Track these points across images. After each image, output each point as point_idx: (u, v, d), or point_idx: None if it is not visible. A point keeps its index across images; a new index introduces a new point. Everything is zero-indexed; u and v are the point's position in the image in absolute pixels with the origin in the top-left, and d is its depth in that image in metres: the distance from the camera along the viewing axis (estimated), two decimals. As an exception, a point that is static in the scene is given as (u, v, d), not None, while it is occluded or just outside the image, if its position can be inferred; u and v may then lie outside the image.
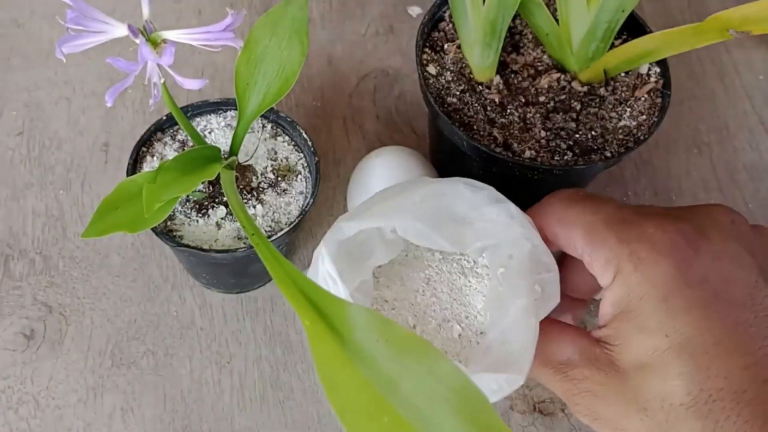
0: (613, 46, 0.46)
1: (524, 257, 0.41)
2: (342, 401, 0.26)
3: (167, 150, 0.45)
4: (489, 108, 0.45)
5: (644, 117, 0.45)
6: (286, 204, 0.44)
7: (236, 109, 0.43)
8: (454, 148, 0.45)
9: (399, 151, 0.50)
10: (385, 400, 0.26)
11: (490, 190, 0.42)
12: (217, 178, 0.41)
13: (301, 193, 0.44)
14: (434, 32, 0.49)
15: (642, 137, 0.44)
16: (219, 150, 0.41)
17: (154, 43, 0.34)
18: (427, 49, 0.48)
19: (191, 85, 0.34)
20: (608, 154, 0.44)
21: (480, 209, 0.42)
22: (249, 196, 0.43)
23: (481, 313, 0.43)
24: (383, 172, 0.48)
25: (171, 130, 0.46)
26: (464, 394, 0.26)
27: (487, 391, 0.37)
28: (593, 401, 0.34)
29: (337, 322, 0.28)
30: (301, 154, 0.46)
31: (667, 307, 0.33)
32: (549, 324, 0.38)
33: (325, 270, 0.38)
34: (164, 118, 0.45)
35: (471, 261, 0.44)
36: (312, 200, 0.43)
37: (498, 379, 0.38)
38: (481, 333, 0.42)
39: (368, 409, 0.26)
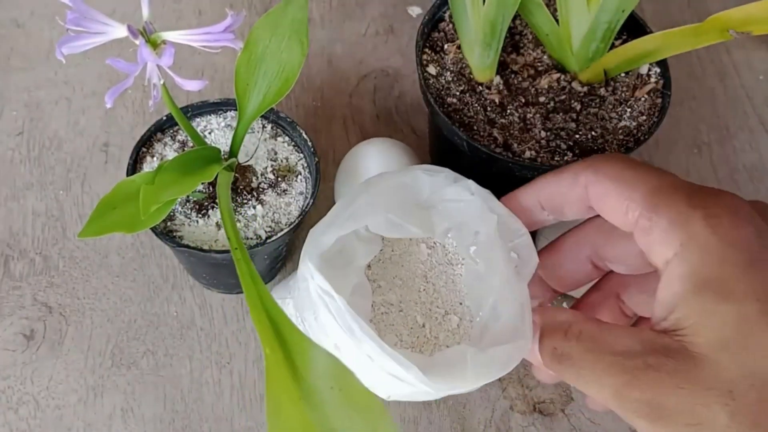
0: (613, 46, 0.46)
1: (492, 230, 0.41)
2: None
3: (167, 150, 0.45)
4: (489, 108, 0.45)
5: (644, 117, 0.45)
6: (286, 204, 0.44)
7: (236, 110, 0.43)
8: (454, 149, 0.45)
9: (385, 142, 0.50)
10: None
11: (447, 172, 0.43)
12: (217, 178, 0.41)
13: (301, 193, 0.44)
14: (434, 32, 0.49)
15: (642, 137, 0.44)
16: (219, 151, 0.41)
17: (154, 44, 0.34)
18: (427, 49, 0.48)
19: (191, 86, 0.34)
20: (608, 155, 0.44)
21: (440, 191, 0.42)
22: (249, 196, 0.43)
23: (468, 297, 0.44)
24: (368, 162, 0.48)
25: (171, 131, 0.46)
26: None
27: (498, 363, 0.38)
28: (658, 394, 0.29)
29: (298, 359, 0.28)
30: (301, 155, 0.46)
31: (755, 270, 0.29)
32: (605, 323, 0.34)
33: (316, 286, 0.38)
34: (164, 118, 0.45)
35: (453, 246, 0.45)
36: (312, 200, 0.43)
37: (506, 349, 0.38)
38: (479, 314, 0.42)
39: None
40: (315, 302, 0.39)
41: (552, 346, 0.34)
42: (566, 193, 0.37)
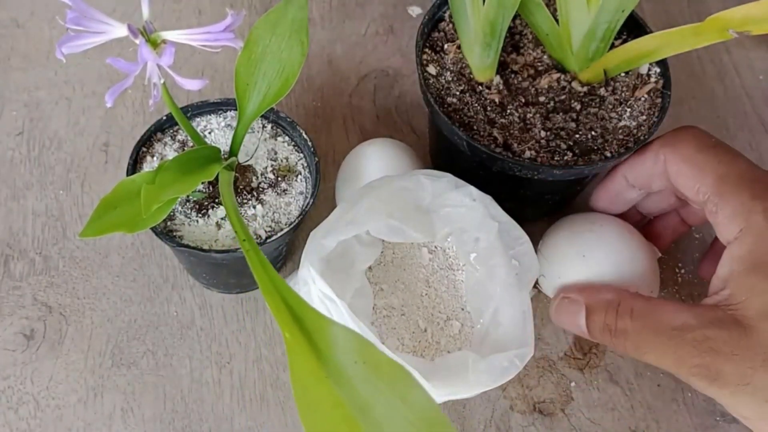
0: (613, 46, 0.46)
1: (493, 237, 0.41)
2: (313, 418, 0.26)
3: (167, 150, 0.45)
4: (489, 108, 0.45)
5: (644, 117, 0.45)
6: (286, 204, 0.44)
7: (236, 110, 0.43)
8: (454, 148, 0.45)
9: (386, 142, 0.50)
10: (356, 422, 0.26)
11: (449, 177, 0.43)
12: (217, 178, 0.41)
13: (301, 193, 0.44)
14: (434, 32, 0.49)
15: (642, 137, 0.44)
16: (219, 150, 0.41)
17: (154, 44, 0.34)
18: (427, 49, 0.48)
19: (191, 86, 0.34)
20: (608, 154, 0.44)
21: (442, 196, 0.42)
22: (249, 196, 0.43)
23: (468, 303, 0.44)
24: (369, 162, 0.48)
25: (171, 130, 0.46)
26: (434, 425, 0.26)
27: (499, 370, 0.38)
28: (714, 360, 0.34)
29: (318, 339, 0.28)
30: (301, 155, 0.46)
31: None
32: (652, 298, 0.39)
33: (318, 290, 0.38)
34: (164, 118, 0.45)
35: (454, 250, 0.45)
36: (312, 200, 0.43)
37: (507, 356, 0.38)
38: (480, 321, 0.42)
39: (338, 429, 0.26)
40: (317, 306, 0.39)
41: (602, 323, 0.38)
42: (650, 170, 0.42)
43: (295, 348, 0.28)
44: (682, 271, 0.51)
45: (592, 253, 0.44)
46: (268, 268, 0.31)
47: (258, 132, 0.46)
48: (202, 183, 0.40)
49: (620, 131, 0.45)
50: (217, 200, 0.43)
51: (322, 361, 0.27)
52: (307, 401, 0.26)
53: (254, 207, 0.43)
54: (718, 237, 0.39)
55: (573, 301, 0.41)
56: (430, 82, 0.46)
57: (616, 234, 0.45)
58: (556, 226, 0.47)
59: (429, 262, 0.45)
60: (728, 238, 0.37)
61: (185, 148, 0.45)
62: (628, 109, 0.45)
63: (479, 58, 0.45)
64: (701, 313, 0.36)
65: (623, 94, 0.46)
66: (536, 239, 0.51)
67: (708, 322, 0.35)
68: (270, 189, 0.44)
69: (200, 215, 0.43)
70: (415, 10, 0.63)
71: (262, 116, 0.45)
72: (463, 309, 0.44)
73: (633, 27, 0.48)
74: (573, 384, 0.47)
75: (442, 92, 0.46)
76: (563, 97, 0.46)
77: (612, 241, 0.44)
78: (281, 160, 0.45)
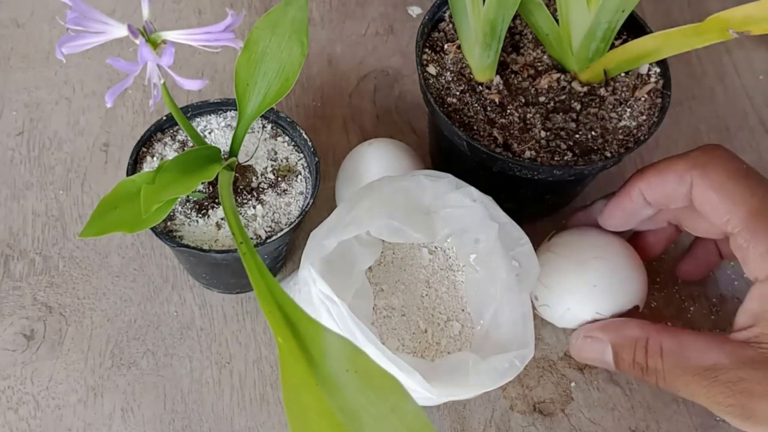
0: (613, 46, 0.46)
1: (493, 238, 0.41)
2: (302, 424, 0.26)
3: (167, 150, 0.45)
4: (489, 108, 0.45)
5: (644, 117, 0.45)
6: (286, 204, 0.44)
7: (236, 110, 0.43)
8: (454, 149, 0.45)
9: (386, 142, 0.50)
10: (345, 430, 0.26)
11: (449, 178, 0.43)
12: (217, 178, 0.41)
13: (301, 193, 0.44)
14: (434, 32, 0.49)
15: (642, 137, 0.44)
16: (219, 150, 0.41)
17: (154, 44, 0.34)
18: (427, 49, 0.48)
19: (191, 86, 0.34)
20: (608, 154, 0.44)
21: (443, 197, 0.43)
22: (249, 196, 0.43)
23: (469, 304, 0.44)
24: (369, 163, 0.48)
25: (171, 130, 0.46)
26: None
27: (500, 371, 0.38)
28: (749, 401, 0.34)
29: (311, 345, 0.28)
30: (301, 155, 0.46)
31: None
32: (679, 332, 0.38)
33: (318, 291, 0.38)
34: (164, 118, 0.45)
35: (454, 251, 0.45)
36: (312, 200, 0.43)
37: (508, 358, 0.38)
38: (480, 322, 0.42)
39: None
40: (317, 307, 0.39)
41: (631, 360, 0.39)
42: (673, 191, 0.40)
43: (288, 353, 0.28)
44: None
45: (603, 283, 0.43)
46: (264, 271, 0.31)
47: (258, 132, 0.46)
48: (202, 183, 0.40)
49: (620, 131, 0.45)
50: (217, 200, 0.43)
51: (313, 367, 0.27)
52: (297, 408, 0.26)
53: (254, 207, 0.43)
54: (746, 271, 0.38)
55: (597, 340, 0.41)
56: (430, 82, 0.46)
57: (623, 259, 0.44)
58: (553, 253, 0.46)
59: (429, 263, 0.45)
60: (758, 275, 0.36)
61: (185, 148, 0.45)
62: (628, 109, 0.45)
63: (479, 58, 0.45)
64: (732, 352, 0.35)
65: (623, 94, 0.46)
66: (536, 240, 0.51)
67: (740, 362, 0.35)
68: (270, 189, 0.44)
69: (200, 215, 0.43)
70: (415, 10, 0.63)
71: (262, 116, 0.45)
72: (463, 310, 0.44)
73: (633, 27, 0.48)
74: (573, 384, 0.47)
75: (442, 92, 0.46)
76: (563, 97, 0.46)
77: (621, 267, 0.44)
78: (281, 160, 0.45)
